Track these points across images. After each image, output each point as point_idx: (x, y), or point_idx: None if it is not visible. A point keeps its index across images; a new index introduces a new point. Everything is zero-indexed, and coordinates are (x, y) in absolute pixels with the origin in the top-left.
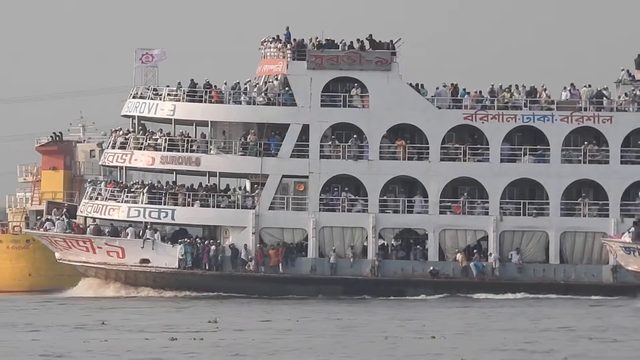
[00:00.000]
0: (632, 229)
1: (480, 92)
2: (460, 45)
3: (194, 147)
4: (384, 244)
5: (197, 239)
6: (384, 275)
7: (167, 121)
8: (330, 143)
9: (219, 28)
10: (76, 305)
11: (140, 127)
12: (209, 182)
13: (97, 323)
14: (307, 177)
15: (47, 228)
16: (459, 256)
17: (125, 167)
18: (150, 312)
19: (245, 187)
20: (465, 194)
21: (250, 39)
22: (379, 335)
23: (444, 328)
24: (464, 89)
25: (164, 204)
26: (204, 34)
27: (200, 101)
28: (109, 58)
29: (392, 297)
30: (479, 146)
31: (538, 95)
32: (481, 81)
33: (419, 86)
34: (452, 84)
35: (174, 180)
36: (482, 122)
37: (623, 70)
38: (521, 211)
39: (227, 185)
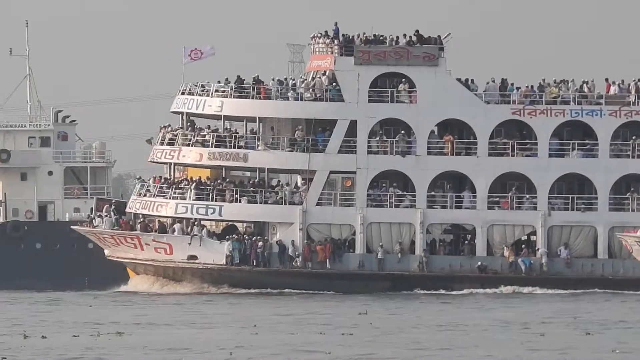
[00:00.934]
0: None
1: (532, 86)
2: (512, 40)
3: (242, 143)
4: (433, 239)
5: (245, 236)
6: (432, 270)
7: (215, 117)
8: (377, 138)
9: (269, 23)
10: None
11: (188, 124)
12: (257, 178)
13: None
14: (354, 172)
15: (96, 225)
16: (506, 251)
17: (174, 163)
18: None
19: (296, 182)
20: (513, 189)
21: (302, 34)
22: None
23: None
24: (512, 84)
25: (212, 200)
26: (253, 30)
27: (248, 97)
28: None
29: (442, 292)
30: (527, 141)
31: (587, 90)
32: (533, 76)
33: (469, 81)
34: (502, 79)
35: (223, 176)
36: (531, 117)
37: None
38: (569, 206)
39: (279, 181)
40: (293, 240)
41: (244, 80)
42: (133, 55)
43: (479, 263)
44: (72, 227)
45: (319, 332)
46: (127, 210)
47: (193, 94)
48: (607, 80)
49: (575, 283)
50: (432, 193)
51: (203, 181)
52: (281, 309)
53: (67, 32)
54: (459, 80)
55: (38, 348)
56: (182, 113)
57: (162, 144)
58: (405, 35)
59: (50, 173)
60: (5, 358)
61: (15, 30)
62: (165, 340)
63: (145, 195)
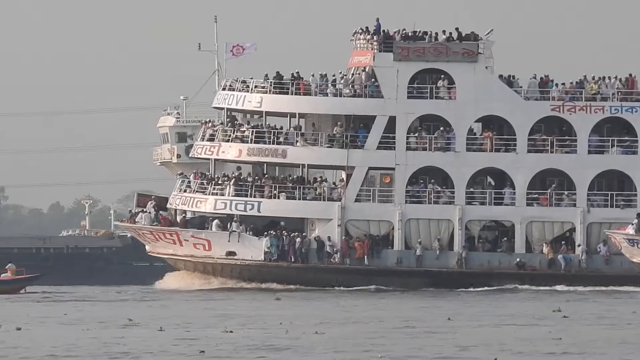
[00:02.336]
0: (636, 220)
1: (577, 82)
2: (558, 37)
3: (281, 139)
4: (472, 236)
5: (284, 232)
6: (470, 267)
7: (255, 113)
8: (416, 135)
9: (313, 19)
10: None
11: (228, 119)
12: (300, 174)
13: None
14: (393, 169)
15: (136, 220)
16: (545, 248)
17: (214, 159)
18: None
19: (341, 178)
20: (553, 185)
21: (345, 30)
22: None
23: None
24: (552, 80)
25: (251, 196)
26: (296, 25)
27: (287, 93)
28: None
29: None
30: (566, 137)
31: (629, 86)
32: (578, 73)
33: (511, 77)
34: (545, 76)
35: (264, 172)
36: (570, 114)
37: None
38: (609, 203)
39: (320, 177)
40: (330, 237)
41: (283, 76)
42: None
43: (518, 260)
44: (114, 222)
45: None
46: (168, 206)
47: (233, 90)
48: (630, 75)
49: (614, 280)
50: (471, 189)
51: (242, 177)
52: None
53: (256, 27)
54: (501, 76)
55: None
56: (223, 109)
57: (202, 139)
58: (444, 32)
59: None
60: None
61: (205, 25)
62: None
63: (185, 191)
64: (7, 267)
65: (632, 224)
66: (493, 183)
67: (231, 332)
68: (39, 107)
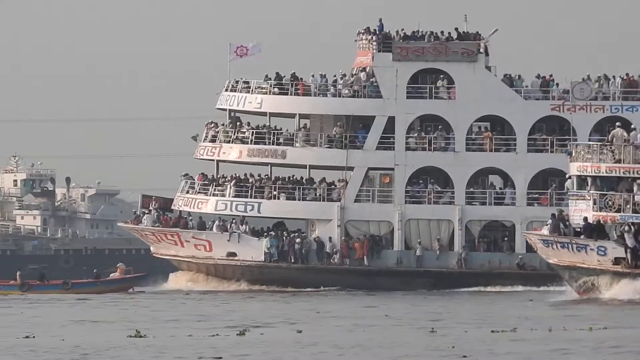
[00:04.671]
0: (550, 221)
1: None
2: (563, 36)
3: (281, 140)
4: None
5: (284, 232)
6: (470, 267)
7: (256, 114)
8: (416, 135)
9: (320, 19)
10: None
11: (230, 120)
12: (307, 175)
13: None
14: (392, 169)
15: (140, 222)
16: None
17: (216, 160)
18: None
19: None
20: (553, 185)
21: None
22: None
23: None
24: (552, 80)
25: (251, 197)
26: (302, 25)
27: (287, 94)
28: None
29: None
30: (566, 137)
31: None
32: (581, 73)
33: (517, 77)
34: (549, 75)
35: (267, 173)
36: (570, 113)
37: None
38: None
39: (324, 178)
40: (330, 237)
41: (284, 76)
42: None
43: (518, 260)
44: (118, 224)
45: None
46: (173, 207)
47: (235, 91)
48: (627, 75)
49: None
50: (471, 189)
51: (242, 178)
52: None
53: (263, 27)
54: (505, 76)
55: None
56: (226, 110)
57: (205, 140)
58: (442, 33)
59: None
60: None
61: None
62: None
63: (188, 192)
64: (117, 266)
65: (547, 225)
66: (495, 183)
67: None
68: None
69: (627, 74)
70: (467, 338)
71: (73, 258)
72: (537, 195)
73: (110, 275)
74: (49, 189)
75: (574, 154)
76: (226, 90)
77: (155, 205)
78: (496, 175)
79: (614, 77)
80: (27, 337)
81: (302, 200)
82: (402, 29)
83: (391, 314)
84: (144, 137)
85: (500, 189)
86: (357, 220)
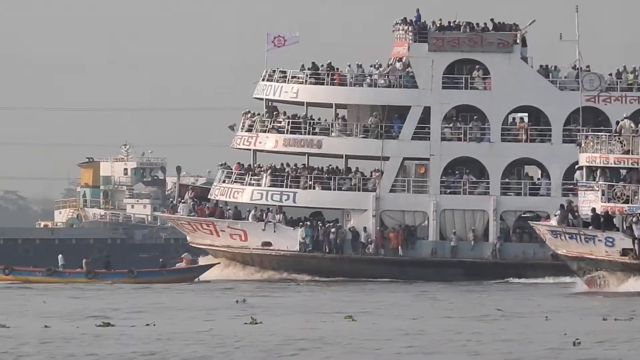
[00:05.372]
0: (559, 212)
1: (616, 73)
2: (604, 27)
3: (317, 130)
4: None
5: (319, 222)
6: (505, 258)
7: (292, 103)
8: (451, 125)
9: (360, 8)
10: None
11: (266, 110)
12: (344, 165)
13: None
14: (428, 159)
15: (176, 211)
16: None
17: (253, 149)
18: None
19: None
20: None
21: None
22: None
23: None
24: (587, 69)
25: (286, 187)
26: (340, 15)
27: (323, 83)
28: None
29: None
30: (601, 128)
31: None
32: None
33: (553, 68)
34: (586, 66)
35: (304, 163)
36: (605, 104)
37: None
38: None
39: (358, 168)
40: (365, 227)
41: (321, 66)
42: None
43: (552, 251)
44: (155, 213)
45: None
46: (209, 196)
47: (272, 80)
48: None
49: None
50: (507, 180)
51: (278, 168)
52: None
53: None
54: (541, 67)
55: None
56: (262, 99)
57: (242, 130)
58: (477, 24)
59: None
60: None
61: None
62: None
63: (224, 181)
64: (182, 256)
65: (555, 215)
66: (531, 174)
67: None
68: None
69: None
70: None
71: (182, 247)
72: (572, 186)
73: (176, 265)
74: (160, 177)
75: (583, 145)
76: (263, 79)
77: (191, 194)
78: (532, 166)
79: None
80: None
81: (338, 190)
82: (440, 19)
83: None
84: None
85: (538, 179)
86: (392, 211)
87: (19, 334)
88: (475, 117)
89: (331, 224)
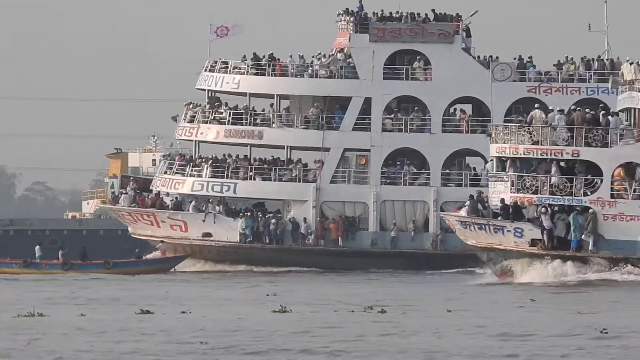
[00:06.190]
0: (468, 202)
1: (556, 64)
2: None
3: (258, 121)
4: None
5: (259, 213)
6: (446, 248)
7: (234, 94)
8: (392, 116)
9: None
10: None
11: (208, 101)
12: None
13: None
14: (369, 150)
15: (117, 202)
16: None
17: (195, 140)
18: None
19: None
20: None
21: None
22: None
23: None
24: (530, 61)
25: (227, 178)
26: (287, 5)
27: (265, 74)
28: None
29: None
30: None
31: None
32: (559, 55)
33: (496, 58)
34: (529, 57)
35: (246, 154)
36: (546, 95)
37: None
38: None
39: (300, 159)
40: (305, 218)
41: (263, 57)
42: None
43: None
44: (97, 205)
45: None
46: (151, 187)
47: (214, 71)
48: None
49: None
50: (447, 171)
51: (219, 158)
52: None
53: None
54: (484, 58)
55: None
56: (205, 90)
57: (184, 121)
58: (419, 14)
59: None
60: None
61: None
62: None
63: (166, 172)
64: (157, 246)
65: (465, 206)
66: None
67: None
68: None
69: (598, 56)
70: None
71: None
72: None
73: (152, 255)
74: None
75: (493, 135)
76: (205, 70)
77: (133, 185)
78: (473, 157)
79: (591, 59)
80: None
81: (278, 181)
82: (382, 10)
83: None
84: None
85: (482, 170)
86: (333, 201)
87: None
88: (416, 108)
89: (271, 214)
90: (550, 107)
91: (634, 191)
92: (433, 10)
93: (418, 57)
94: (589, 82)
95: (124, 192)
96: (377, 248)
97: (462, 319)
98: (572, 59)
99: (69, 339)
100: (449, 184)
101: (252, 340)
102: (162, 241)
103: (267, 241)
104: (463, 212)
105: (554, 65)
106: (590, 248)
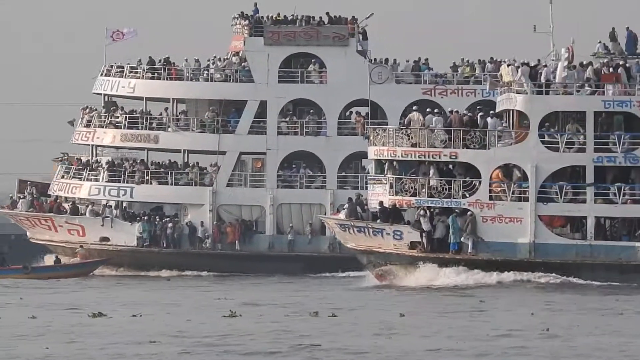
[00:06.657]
0: (347, 205)
1: (452, 66)
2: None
3: (154, 125)
4: None
5: (156, 217)
6: (343, 251)
7: (130, 98)
8: (287, 119)
9: (196, 3)
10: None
11: (104, 105)
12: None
13: None
14: (264, 153)
15: (15, 207)
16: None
17: (92, 145)
18: None
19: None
20: None
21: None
22: None
23: None
24: (425, 63)
25: (124, 182)
26: (179, 9)
27: (160, 78)
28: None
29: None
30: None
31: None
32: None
33: (393, 61)
34: (425, 59)
35: (143, 158)
36: (442, 97)
37: (600, 43)
38: None
39: (197, 162)
40: (202, 222)
41: (160, 60)
42: None
43: None
44: None
45: None
46: (49, 192)
47: (110, 75)
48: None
49: None
50: (343, 174)
51: (116, 163)
52: None
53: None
54: (381, 60)
55: None
56: (101, 94)
57: (81, 125)
58: (313, 18)
59: None
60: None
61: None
62: None
63: (63, 177)
64: (76, 251)
65: (344, 209)
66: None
67: None
68: None
69: (491, 57)
70: None
71: None
72: None
73: (70, 260)
74: None
75: (371, 138)
76: (102, 74)
77: (30, 190)
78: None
79: (484, 61)
80: None
81: (175, 185)
82: (277, 14)
83: None
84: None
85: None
86: (229, 205)
87: None
88: (311, 111)
89: (168, 218)
90: (427, 110)
91: (512, 193)
92: (327, 14)
93: (313, 60)
94: (484, 84)
95: (22, 196)
96: (275, 251)
97: None
98: (468, 61)
99: None
100: (345, 187)
101: None
102: (81, 246)
103: (165, 245)
104: (342, 215)
105: (450, 67)
106: (469, 250)
